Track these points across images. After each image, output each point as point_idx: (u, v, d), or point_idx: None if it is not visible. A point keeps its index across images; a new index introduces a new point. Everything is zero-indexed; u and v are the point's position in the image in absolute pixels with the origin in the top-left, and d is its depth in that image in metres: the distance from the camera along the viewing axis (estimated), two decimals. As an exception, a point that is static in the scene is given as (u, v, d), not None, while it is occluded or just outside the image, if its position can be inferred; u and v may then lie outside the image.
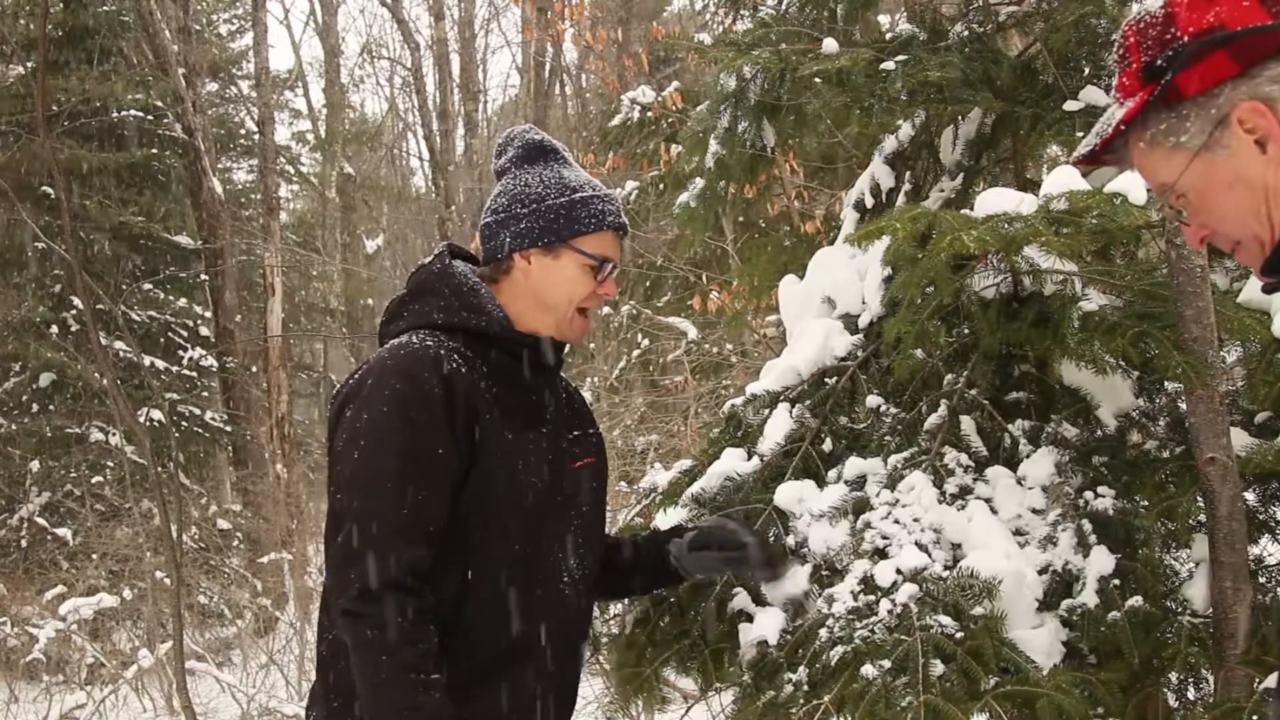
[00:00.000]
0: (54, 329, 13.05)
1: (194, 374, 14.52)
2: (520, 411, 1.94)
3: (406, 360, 1.84)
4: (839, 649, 2.34)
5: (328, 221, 20.83)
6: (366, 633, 1.76)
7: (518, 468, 1.89)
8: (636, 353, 9.09)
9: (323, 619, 1.96)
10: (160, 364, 13.63)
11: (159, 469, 6.50)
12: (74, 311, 13.04)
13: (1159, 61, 1.16)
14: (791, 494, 2.80)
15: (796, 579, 2.49)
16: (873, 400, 3.00)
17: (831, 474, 2.87)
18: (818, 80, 3.05)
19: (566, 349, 2.14)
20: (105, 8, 14.05)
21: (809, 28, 3.34)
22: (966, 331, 2.89)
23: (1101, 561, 2.46)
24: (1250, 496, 2.64)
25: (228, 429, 14.54)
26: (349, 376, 1.96)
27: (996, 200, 2.66)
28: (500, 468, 1.87)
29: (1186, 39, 1.13)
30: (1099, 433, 2.77)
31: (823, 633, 2.41)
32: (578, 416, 2.15)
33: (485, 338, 1.93)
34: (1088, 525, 2.53)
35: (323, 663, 1.95)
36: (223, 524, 12.27)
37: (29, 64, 11.05)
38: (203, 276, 14.97)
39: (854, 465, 2.82)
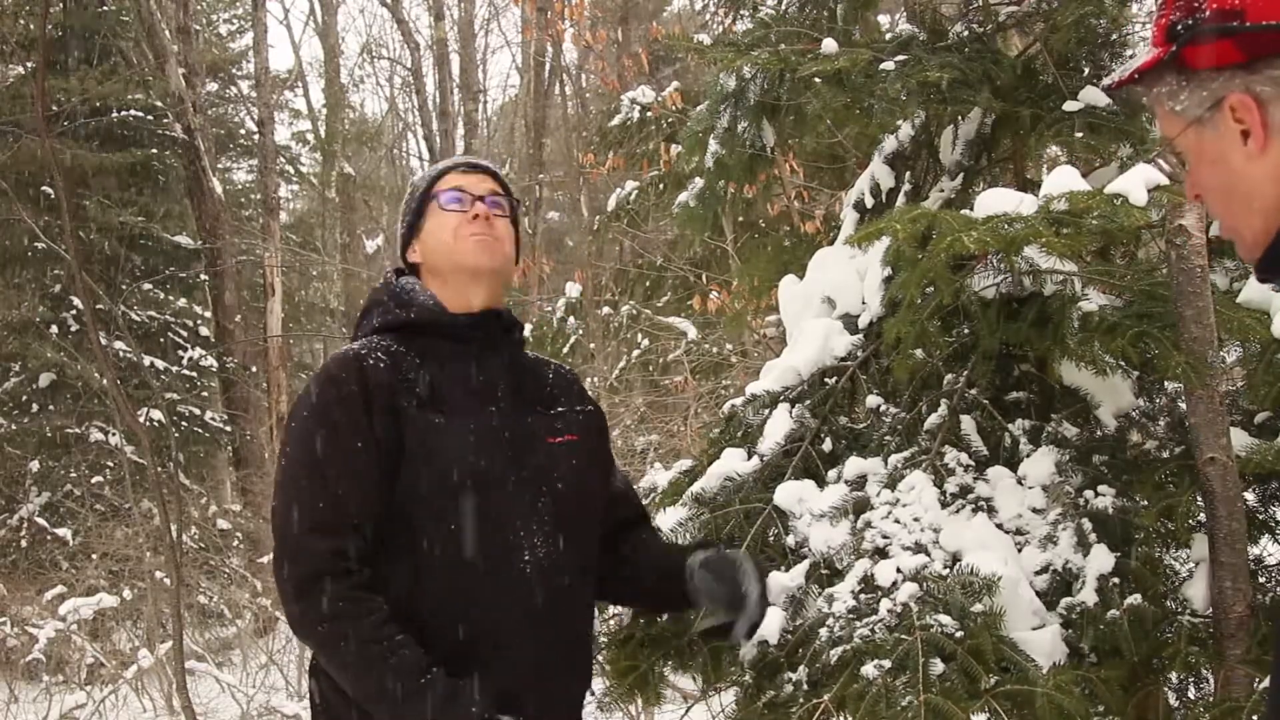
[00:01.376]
0: (54, 329, 13.05)
1: (194, 374, 14.53)
2: (460, 394, 1.98)
3: (329, 365, 1.98)
4: (839, 648, 2.34)
5: (328, 221, 20.84)
6: (316, 629, 1.82)
7: (450, 449, 1.91)
8: (636, 353, 9.08)
9: None
10: (160, 364, 13.63)
11: (159, 469, 6.50)
12: (74, 311, 13.04)
13: (1179, 26, 1.17)
14: (791, 494, 2.80)
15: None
16: (873, 400, 3.01)
17: (831, 474, 2.88)
18: (817, 80, 3.05)
19: (524, 329, 2.18)
20: (105, 8, 14.06)
21: (809, 28, 3.34)
22: (966, 331, 2.89)
23: (1101, 560, 2.46)
24: (1250, 496, 2.64)
25: (228, 429, 14.54)
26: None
27: (996, 200, 2.66)
28: (429, 452, 1.90)
29: (1208, 14, 1.14)
30: (1099, 432, 2.77)
31: (823, 632, 2.41)
32: (560, 393, 2.15)
33: (417, 327, 2.02)
34: (1087, 524, 2.53)
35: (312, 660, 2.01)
36: (223, 524, 12.27)
37: (29, 64, 11.05)
38: (203, 276, 14.97)
39: (854, 465, 2.82)
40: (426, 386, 1.94)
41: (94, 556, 10.38)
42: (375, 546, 1.88)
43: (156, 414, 11.72)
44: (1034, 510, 2.60)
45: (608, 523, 2.19)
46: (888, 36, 3.34)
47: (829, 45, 3.08)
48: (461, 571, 1.89)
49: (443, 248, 2.05)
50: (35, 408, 13.04)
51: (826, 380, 3.11)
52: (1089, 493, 2.61)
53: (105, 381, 10.07)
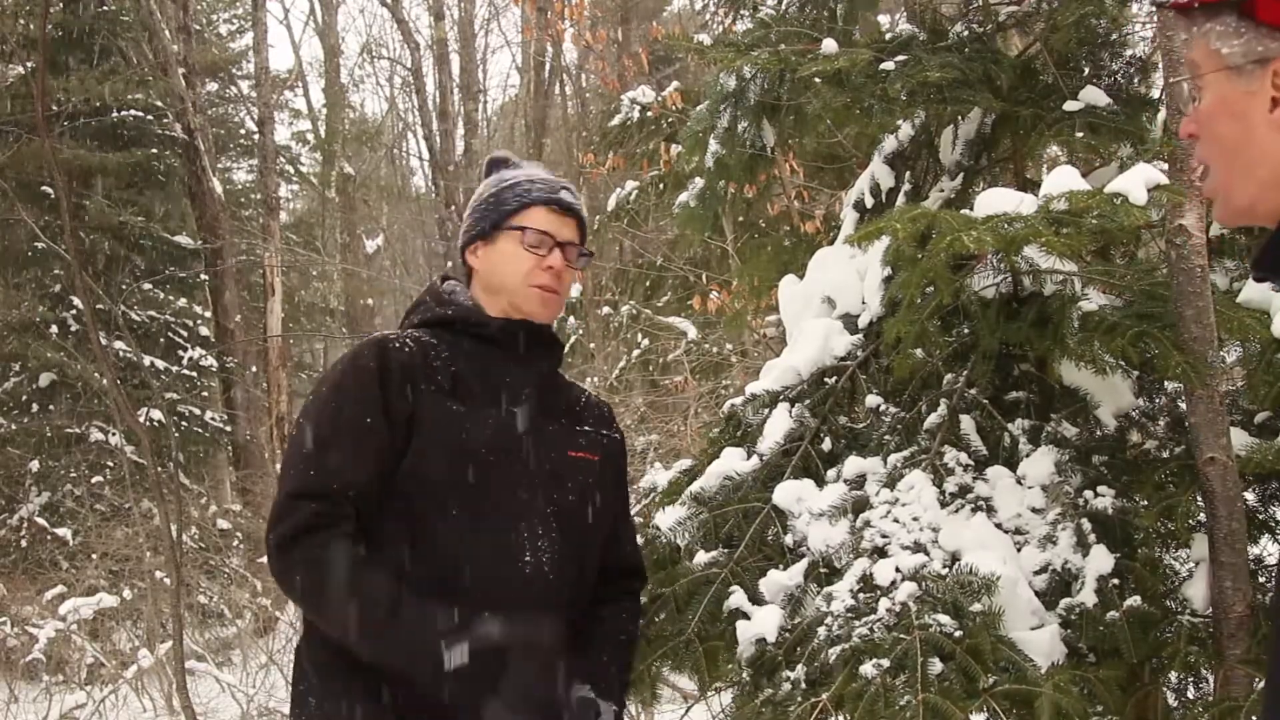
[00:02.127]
0: (54, 329, 13.05)
1: (194, 374, 14.52)
2: (481, 388, 1.98)
3: (356, 346, 2.02)
4: (838, 647, 2.34)
5: (328, 221, 20.84)
6: (295, 579, 1.84)
7: (460, 437, 1.91)
8: (636, 353, 9.08)
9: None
10: (160, 364, 13.62)
11: (159, 469, 6.50)
12: (74, 311, 13.04)
13: None
14: (790, 493, 2.80)
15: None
16: (872, 400, 3.01)
17: (831, 473, 2.88)
18: (817, 80, 3.05)
19: (563, 348, 2.17)
20: (105, 8, 14.06)
21: (809, 28, 3.35)
22: (966, 331, 2.89)
23: (1101, 561, 2.46)
24: (1250, 496, 2.64)
25: (228, 429, 14.53)
26: None
27: (996, 200, 2.67)
28: (440, 435, 1.91)
29: None
30: (1099, 432, 2.77)
31: (821, 631, 2.41)
32: (588, 415, 2.15)
33: (452, 325, 2.04)
34: (1087, 524, 2.53)
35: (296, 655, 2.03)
36: (223, 524, 12.25)
37: (29, 64, 11.05)
38: (203, 276, 14.96)
39: (853, 464, 2.82)
40: (450, 377, 1.96)
41: (94, 556, 10.37)
42: (373, 523, 1.89)
43: (156, 414, 11.71)
44: (1033, 510, 2.60)
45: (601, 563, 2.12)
46: (888, 36, 3.34)
47: (829, 45, 3.08)
48: (457, 561, 1.88)
49: (508, 281, 2.05)
50: (35, 408, 13.03)
51: (826, 380, 3.11)
52: (1089, 493, 2.61)
53: (105, 381, 10.07)
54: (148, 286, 13.98)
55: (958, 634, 2.28)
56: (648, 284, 8.95)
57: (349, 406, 1.91)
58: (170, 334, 14.32)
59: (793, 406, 3.07)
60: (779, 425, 3.03)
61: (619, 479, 2.19)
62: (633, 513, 3.40)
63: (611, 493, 2.14)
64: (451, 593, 1.86)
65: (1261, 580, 2.58)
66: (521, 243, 2.04)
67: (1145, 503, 2.62)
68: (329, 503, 1.86)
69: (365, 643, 1.83)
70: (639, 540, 2.85)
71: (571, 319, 8.71)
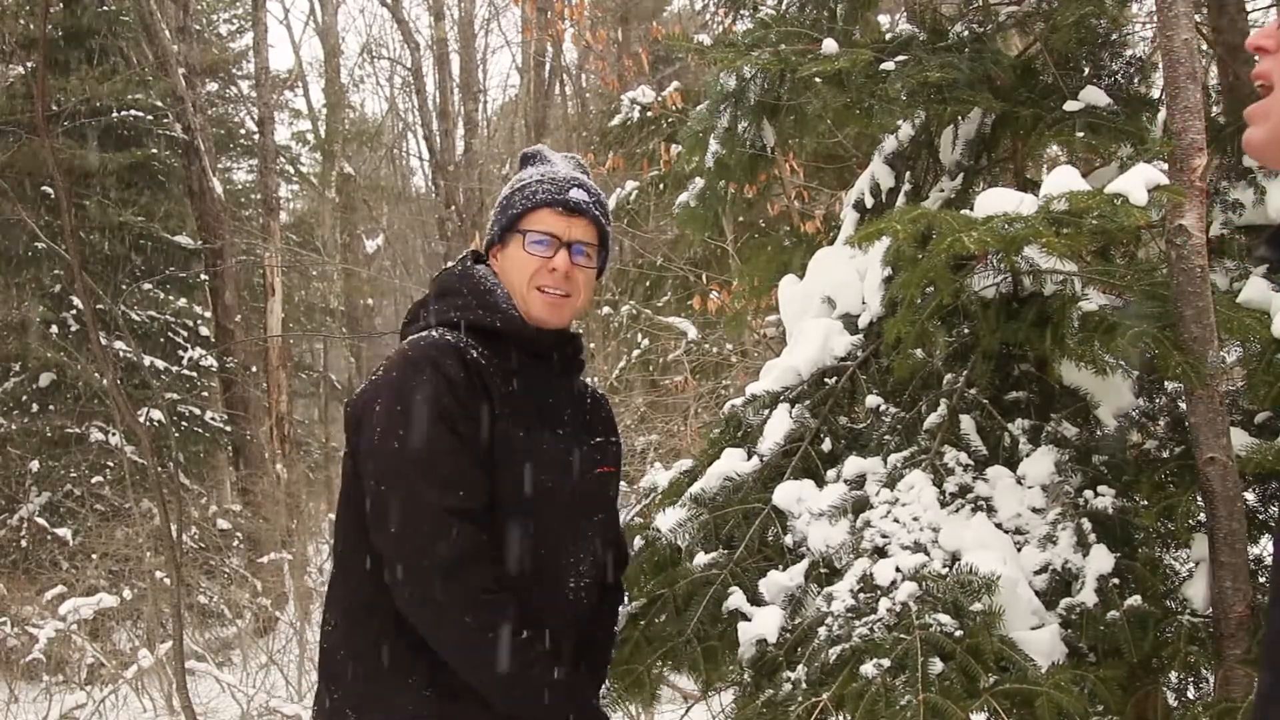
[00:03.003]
0: (54, 329, 13.05)
1: (194, 374, 14.51)
2: (535, 412, 1.95)
3: (429, 350, 1.89)
4: (838, 647, 2.34)
5: (328, 221, 20.83)
6: (464, 618, 1.78)
7: (527, 467, 1.89)
8: (636, 353, 9.08)
9: (326, 615, 1.97)
10: (160, 364, 13.62)
11: (159, 469, 6.50)
12: (74, 311, 13.04)
13: None
14: (790, 493, 2.80)
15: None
16: (872, 400, 3.01)
17: (831, 473, 2.88)
18: (817, 80, 3.05)
19: (583, 351, 2.16)
20: (105, 8, 14.06)
21: (809, 28, 3.34)
22: (966, 331, 2.89)
23: (1101, 560, 2.46)
24: (1250, 496, 2.64)
25: (228, 429, 14.53)
26: (373, 373, 1.99)
27: (996, 200, 2.66)
28: (510, 464, 1.88)
29: None
30: (1099, 432, 2.78)
31: (822, 631, 2.41)
32: (601, 424, 2.15)
33: (501, 337, 1.97)
34: (1087, 524, 2.53)
35: (323, 657, 1.96)
36: (223, 524, 12.26)
37: (29, 64, 11.05)
38: (203, 276, 14.95)
39: (853, 464, 2.82)
40: (507, 397, 1.92)
41: (94, 556, 10.37)
42: None
43: (156, 414, 11.71)
44: (1033, 510, 2.61)
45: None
46: (888, 36, 3.34)
47: (829, 45, 3.08)
48: (516, 586, 1.86)
49: (515, 286, 2.02)
50: (35, 408, 13.03)
51: (826, 380, 3.11)
52: (1089, 493, 2.61)
53: (105, 381, 10.07)
54: (148, 286, 13.97)
55: (958, 634, 2.28)
56: (648, 284, 8.95)
57: (461, 420, 1.83)
58: (170, 334, 14.31)
59: (793, 407, 3.07)
60: (779, 426, 3.03)
61: (619, 478, 2.21)
62: (633, 513, 3.41)
63: (617, 498, 2.17)
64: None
65: (1261, 580, 2.58)
66: (525, 246, 2.01)
67: (1145, 503, 2.62)
68: (480, 525, 1.81)
69: (523, 707, 1.83)
70: (639, 541, 2.86)
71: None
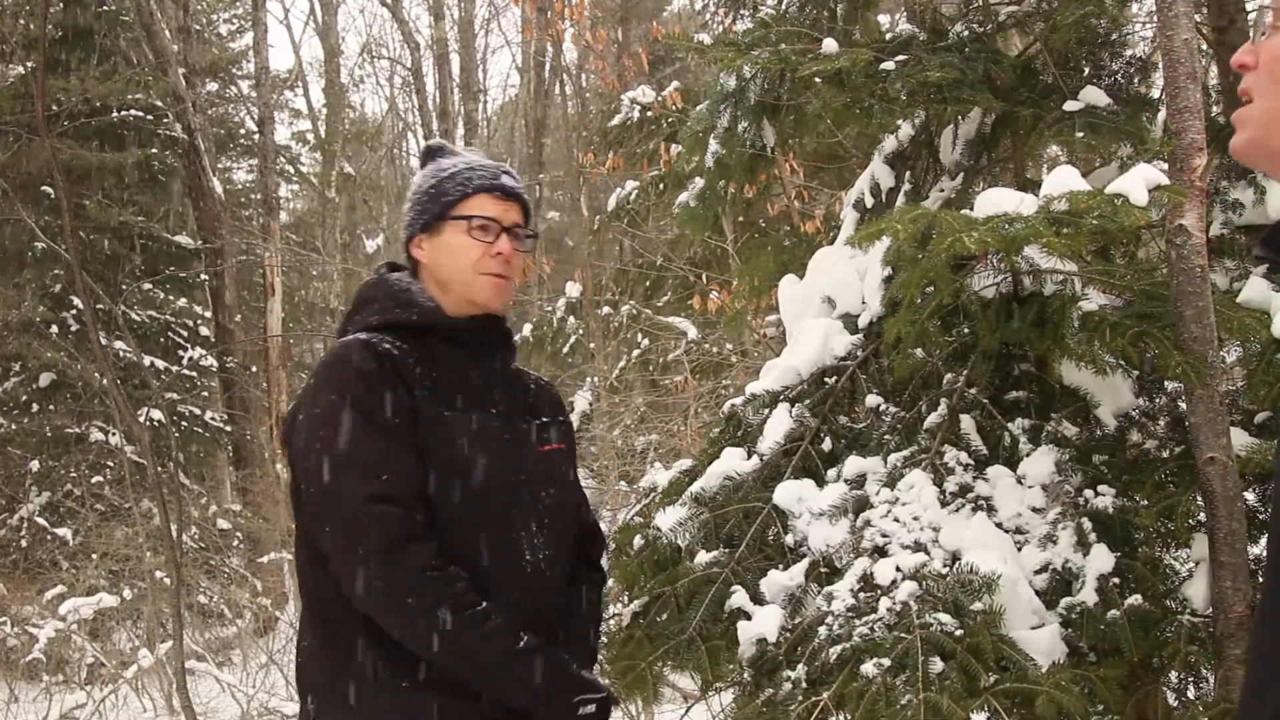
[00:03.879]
0: (54, 329, 13.04)
1: (194, 374, 14.51)
2: (462, 394, 1.96)
3: (338, 353, 1.93)
4: (838, 647, 2.34)
5: (328, 221, 20.83)
6: (406, 600, 1.78)
7: (458, 444, 1.90)
8: (636, 353, 9.08)
9: (301, 632, 1.97)
10: (160, 364, 13.62)
11: (159, 469, 6.50)
12: (74, 311, 13.04)
13: None
14: (791, 493, 2.80)
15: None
16: (872, 400, 3.01)
17: (831, 473, 2.88)
18: (818, 80, 3.05)
19: (510, 334, 2.15)
20: (105, 8, 14.05)
21: (809, 28, 3.34)
22: (966, 331, 2.89)
23: (1101, 560, 2.46)
24: (1250, 496, 2.64)
25: (228, 429, 14.53)
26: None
27: (996, 200, 2.67)
28: (443, 443, 1.89)
29: None
30: (1099, 432, 2.78)
31: (822, 630, 2.41)
32: (547, 405, 2.15)
33: (419, 330, 1.99)
34: (1087, 524, 2.53)
35: (299, 672, 1.97)
36: (223, 524, 12.26)
37: (29, 64, 11.05)
38: (203, 276, 14.96)
39: (854, 464, 2.82)
40: (431, 383, 1.93)
41: (94, 556, 10.38)
42: None
43: (156, 414, 11.70)
44: (1034, 509, 2.61)
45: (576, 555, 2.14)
46: (888, 36, 3.34)
47: (829, 45, 3.08)
48: (463, 566, 1.86)
49: (458, 273, 2.02)
50: (35, 408, 13.03)
51: (826, 380, 3.11)
52: (1089, 492, 2.61)
53: (105, 381, 10.07)
54: (148, 286, 13.98)
55: (958, 633, 2.28)
56: (648, 284, 8.95)
57: (376, 408, 1.84)
58: (170, 334, 14.31)
59: (793, 406, 3.08)
60: (779, 425, 3.03)
61: (575, 456, 2.20)
62: (633, 512, 3.41)
63: (575, 479, 2.16)
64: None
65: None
66: (468, 231, 2.01)
67: (1145, 502, 2.62)
68: (413, 509, 1.81)
69: (485, 680, 1.82)
70: (639, 541, 2.86)
71: (571, 319, 8.71)
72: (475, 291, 2.01)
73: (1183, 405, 2.66)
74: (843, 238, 3.44)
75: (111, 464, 12.63)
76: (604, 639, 2.82)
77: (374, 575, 1.79)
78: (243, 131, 19.08)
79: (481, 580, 1.87)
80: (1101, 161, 3.45)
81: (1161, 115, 2.92)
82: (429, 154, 2.17)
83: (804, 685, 2.35)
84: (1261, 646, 1.07)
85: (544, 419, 2.10)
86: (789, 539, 2.75)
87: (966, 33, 3.22)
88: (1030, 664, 2.27)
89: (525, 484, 1.99)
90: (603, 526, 2.26)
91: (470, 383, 1.99)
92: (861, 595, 2.45)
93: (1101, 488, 2.61)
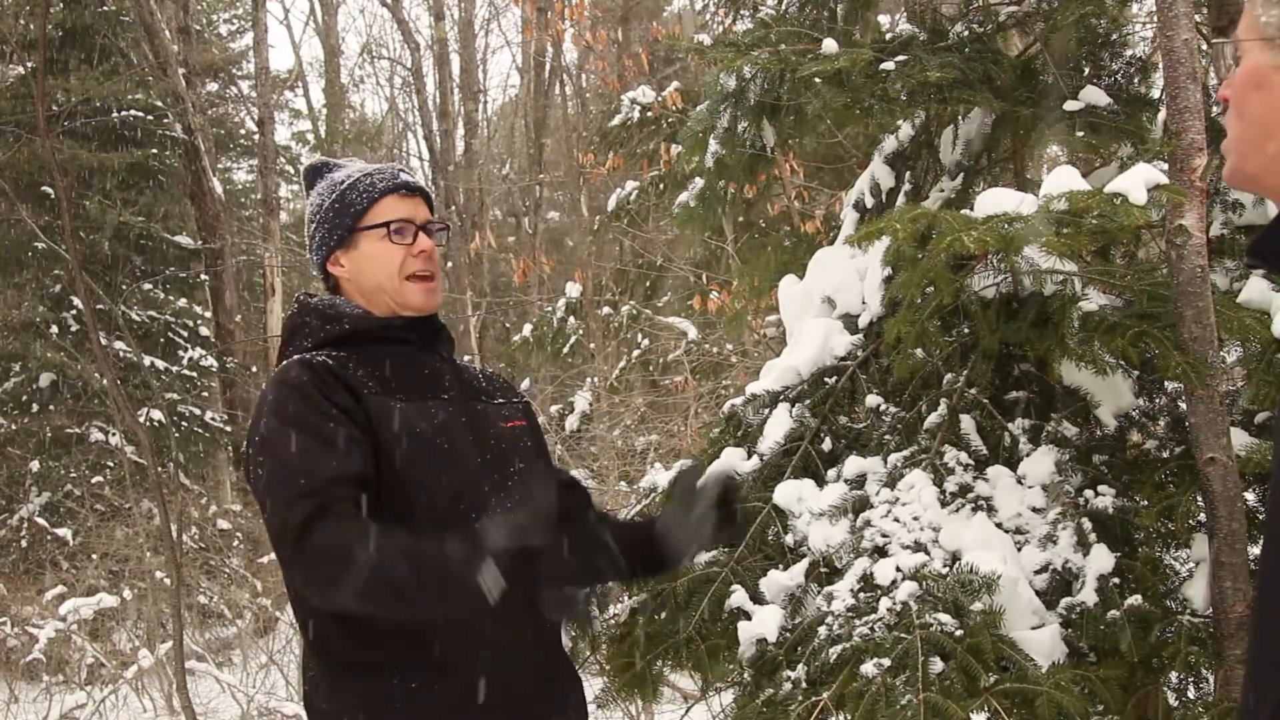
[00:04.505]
0: (54, 329, 13.05)
1: (194, 374, 14.52)
2: (412, 385, 1.95)
3: (276, 376, 1.91)
4: (838, 646, 2.34)
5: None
6: (320, 564, 1.72)
7: (419, 430, 1.89)
8: (636, 353, 9.08)
9: (305, 665, 1.95)
10: (160, 364, 13.63)
11: (159, 469, 6.50)
12: (74, 311, 13.05)
13: None
14: (791, 493, 2.80)
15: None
16: (872, 400, 3.01)
17: (831, 473, 2.88)
18: (817, 80, 3.05)
19: (442, 326, 2.12)
20: (105, 8, 14.06)
21: (809, 28, 3.34)
22: (966, 331, 2.89)
23: (1101, 560, 2.46)
24: (1250, 496, 2.64)
25: (228, 429, 14.53)
26: None
27: (996, 200, 2.67)
28: (402, 432, 1.87)
29: None
30: (1099, 432, 2.78)
31: (822, 630, 2.41)
32: (496, 388, 2.15)
33: (351, 337, 1.97)
34: (1088, 524, 2.53)
35: (306, 700, 1.95)
36: (223, 524, 12.26)
37: (29, 64, 11.05)
38: (203, 276, 14.96)
39: (854, 464, 2.82)
40: (378, 380, 1.92)
41: (94, 556, 10.38)
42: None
43: (156, 414, 11.71)
44: (1034, 509, 2.61)
45: (562, 506, 2.09)
46: (888, 36, 3.34)
47: (829, 45, 3.08)
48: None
49: (384, 280, 2.00)
50: (35, 408, 13.03)
51: (826, 380, 3.11)
52: (1089, 492, 2.61)
53: (105, 381, 10.07)
54: (148, 286, 13.99)
55: (958, 633, 2.28)
56: (648, 284, 8.95)
57: (305, 418, 1.82)
58: (170, 334, 14.32)
59: (793, 406, 3.08)
60: (779, 425, 3.03)
61: (539, 432, 2.18)
62: (633, 512, 3.41)
63: (545, 452, 2.16)
64: None
65: (1257, 577, 2.58)
66: (386, 237, 1.99)
67: (1145, 503, 2.62)
68: (326, 496, 1.77)
69: (416, 594, 1.71)
70: None
71: (571, 319, 8.71)
72: (405, 297, 2.00)
73: (1183, 405, 2.66)
74: (843, 238, 3.44)
75: (111, 464, 12.63)
76: (603, 639, 2.82)
77: (295, 564, 1.76)
78: (243, 131, 19.09)
79: None
80: (1101, 161, 3.45)
81: (1161, 115, 2.92)
82: (314, 172, 2.14)
83: (804, 685, 2.35)
84: (1260, 643, 1.08)
85: (499, 399, 2.10)
86: (789, 539, 2.75)
87: (966, 33, 3.22)
88: (1030, 664, 2.27)
89: (492, 463, 1.97)
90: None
91: (419, 374, 1.99)
92: (861, 595, 2.45)
93: (1101, 488, 2.61)
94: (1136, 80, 3.26)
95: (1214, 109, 2.80)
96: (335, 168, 2.12)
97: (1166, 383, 2.83)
